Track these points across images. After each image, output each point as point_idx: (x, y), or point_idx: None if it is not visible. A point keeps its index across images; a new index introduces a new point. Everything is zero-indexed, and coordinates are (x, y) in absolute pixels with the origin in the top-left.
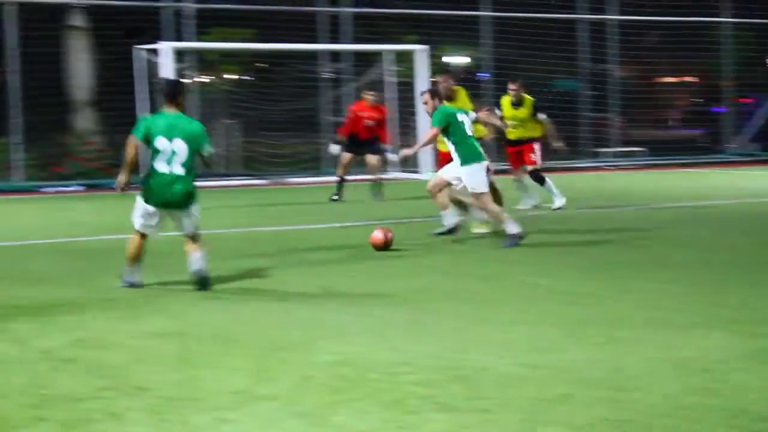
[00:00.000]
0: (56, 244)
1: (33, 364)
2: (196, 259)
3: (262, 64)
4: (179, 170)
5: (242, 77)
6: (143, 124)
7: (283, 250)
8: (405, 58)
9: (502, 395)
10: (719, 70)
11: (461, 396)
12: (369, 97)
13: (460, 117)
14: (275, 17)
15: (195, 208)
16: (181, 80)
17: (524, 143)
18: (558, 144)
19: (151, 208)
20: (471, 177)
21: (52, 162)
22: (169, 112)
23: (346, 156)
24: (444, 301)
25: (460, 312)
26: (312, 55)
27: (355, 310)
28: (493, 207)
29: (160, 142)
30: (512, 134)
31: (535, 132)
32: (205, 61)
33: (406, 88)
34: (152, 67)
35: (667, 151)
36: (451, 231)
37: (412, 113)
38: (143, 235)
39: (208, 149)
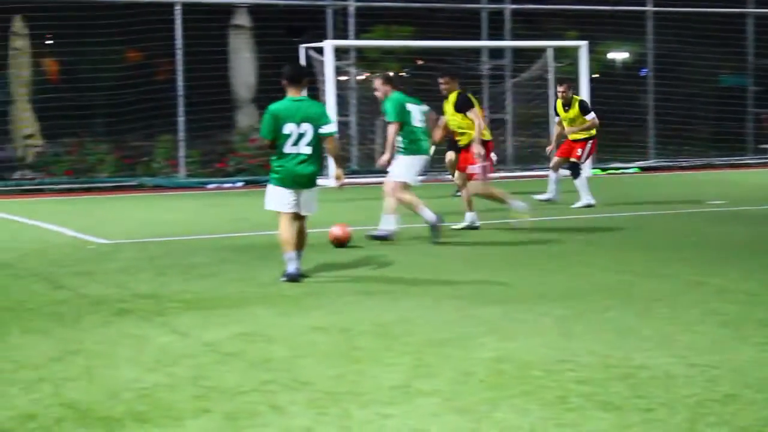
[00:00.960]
0: (219, 239)
1: (197, 357)
2: (296, 257)
3: (421, 61)
4: (306, 150)
5: (401, 74)
6: (268, 119)
7: (434, 247)
8: (565, 55)
9: (666, 394)
10: None
11: (623, 395)
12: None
13: (410, 106)
14: (436, 14)
15: (316, 190)
16: (305, 65)
17: (575, 142)
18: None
19: (284, 191)
20: (404, 167)
21: (215, 158)
22: (294, 96)
23: (450, 154)
24: (602, 297)
25: (619, 309)
26: (472, 52)
27: (512, 306)
28: (406, 196)
29: (288, 128)
30: (569, 134)
31: (587, 133)
32: (366, 59)
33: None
34: (315, 65)
35: None
36: (385, 237)
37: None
38: (288, 215)
39: (329, 130)
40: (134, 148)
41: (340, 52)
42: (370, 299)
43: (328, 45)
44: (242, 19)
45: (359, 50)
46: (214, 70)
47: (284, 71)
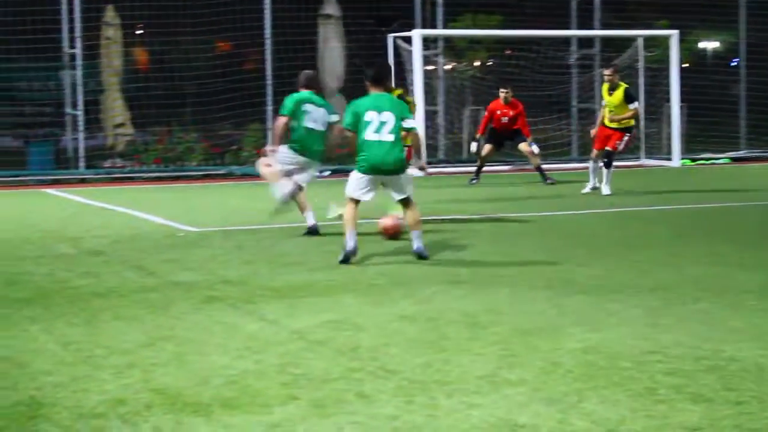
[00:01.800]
0: (297, 229)
1: (285, 345)
2: (414, 237)
3: (509, 51)
4: (388, 137)
5: (489, 63)
6: (349, 110)
7: (521, 235)
8: (655, 44)
9: (759, 388)
10: None
11: (714, 387)
12: (503, 94)
13: (308, 107)
14: (524, 3)
15: (406, 177)
16: (387, 64)
17: (614, 130)
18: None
19: (366, 178)
20: (287, 158)
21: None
22: (376, 92)
23: (488, 147)
24: (692, 288)
25: (709, 300)
26: (561, 41)
27: (601, 297)
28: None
29: (369, 115)
30: (608, 119)
31: (629, 122)
32: (454, 48)
33: (656, 74)
34: (403, 55)
35: None
36: (312, 231)
37: (666, 99)
38: (357, 202)
39: (413, 125)
40: (223, 136)
41: (428, 42)
42: (458, 288)
43: (416, 34)
44: (331, 8)
45: (447, 39)
46: (302, 59)
47: (367, 73)
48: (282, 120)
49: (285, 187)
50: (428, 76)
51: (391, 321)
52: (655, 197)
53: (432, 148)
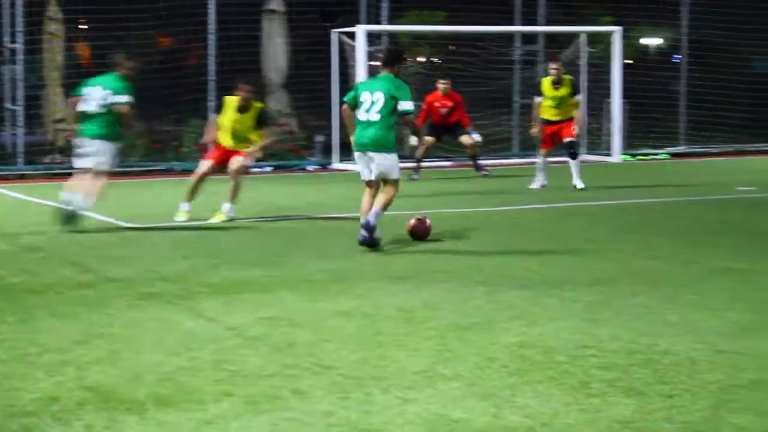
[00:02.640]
0: (247, 224)
1: (221, 341)
2: (372, 213)
3: (453, 47)
4: (375, 117)
5: (433, 59)
6: (354, 88)
7: (462, 231)
8: (598, 40)
9: (690, 380)
10: None
11: (647, 381)
12: (442, 86)
13: (84, 89)
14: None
15: (389, 156)
16: (400, 50)
17: (563, 122)
18: (577, 128)
19: (357, 154)
20: (106, 153)
21: None
22: (382, 74)
23: (429, 139)
24: (629, 283)
25: (646, 294)
26: (505, 37)
27: (539, 291)
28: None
29: (363, 96)
30: (551, 114)
31: (573, 111)
32: (398, 44)
33: (598, 70)
34: (347, 51)
35: None
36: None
37: (607, 95)
38: (368, 184)
39: (407, 107)
40: (164, 132)
41: (372, 38)
42: (395, 284)
43: (360, 30)
44: (275, 3)
45: (391, 36)
46: (245, 54)
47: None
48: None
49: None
50: (372, 72)
51: (327, 317)
52: (595, 192)
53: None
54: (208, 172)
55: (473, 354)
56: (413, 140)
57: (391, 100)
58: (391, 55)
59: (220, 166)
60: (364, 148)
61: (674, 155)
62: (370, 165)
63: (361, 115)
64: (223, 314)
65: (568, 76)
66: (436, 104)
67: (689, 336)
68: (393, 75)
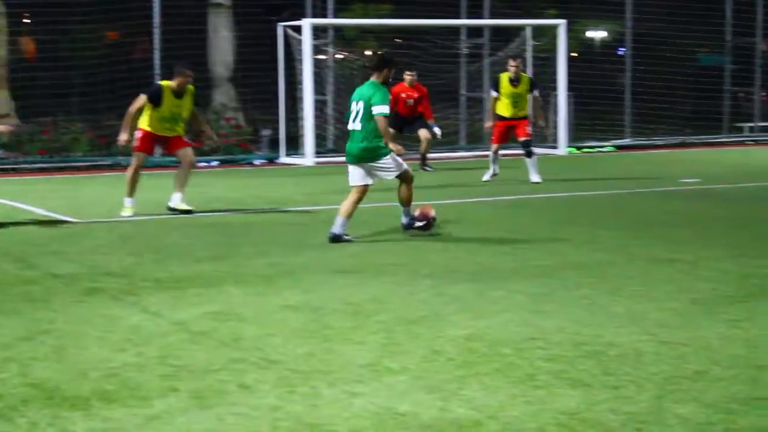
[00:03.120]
0: (193, 219)
1: (167, 337)
2: (402, 215)
3: (399, 40)
4: (357, 126)
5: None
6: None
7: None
8: (543, 33)
9: (635, 372)
10: None
11: (593, 372)
12: (408, 77)
13: None
14: None
15: (382, 162)
16: (388, 56)
17: (518, 119)
18: (542, 123)
19: (350, 166)
20: None
21: (191, 138)
22: (369, 81)
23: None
24: (574, 275)
25: (591, 286)
26: (451, 31)
27: (485, 284)
28: None
29: (352, 105)
30: (506, 111)
31: (526, 109)
32: (345, 38)
33: (544, 63)
34: (293, 44)
35: None
36: None
37: (553, 88)
38: (356, 190)
39: (378, 111)
40: (110, 127)
41: (318, 31)
42: (343, 278)
43: (306, 24)
44: None
45: (337, 29)
46: (191, 48)
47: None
48: None
49: None
50: (318, 65)
51: (274, 311)
52: (541, 185)
53: (321, 138)
54: (142, 164)
55: (420, 347)
56: None
57: (370, 107)
58: (378, 61)
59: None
60: (355, 160)
61: (619, 148)
62: (367, 174)
63: (349, 125)
64: (169, 309)
65: (527, 75)
66: (403, 95)
67: (634, 327)
68: (378, 81)
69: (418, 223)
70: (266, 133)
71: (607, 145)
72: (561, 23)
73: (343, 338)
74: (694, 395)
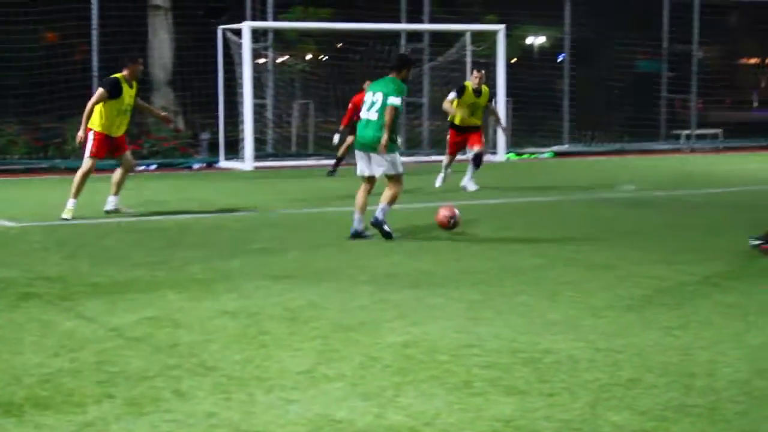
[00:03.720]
0: (131, 223)
1: (102, 342)
2: (378, 208)
3: (340, 44)
4: (373, 116)
5: (320, 57)
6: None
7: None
8: (483, 39)
9: (570, 379)
10: None
11: (528, 379)
12: (367, 86)
13: None
14: None
15: (385, 156)
16: (408, 56)
17: (472, 130)
18: (503, 127)
19: (358, 153)
20: None
21: (129, 141)
22: (388, 76)
23: (350, 138)
24: (512, 282)
25: (528, 293)
26: (391, 35)
27: (424, 291)
28: None
29: (368, 96)
30: (461, 120)
31: (481, 120)
32: (284, 41)
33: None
34: (232, 47)
35: (746, 133)
36: None
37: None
38: (364, 180)
39: (390, 101)
40: (47, 129)
41: (257, 34)
42: (281, 284)
43: (246, 27)
44: None
45: (277, 32)
46: (130, 51)
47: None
48: None
49: None
50: (258, 69)
51: (211, 317)
52: (481, 192)
53: (260, 142)
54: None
55: (357, 354)
56: (335, 138)
57: (386, 99)
58: (400, 61)
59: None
60: (364, 148)
61: (558, 154)
62: (370, 163)
63: (363, 113)
64: (105, 315)
65: (487, 87)
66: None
67: (570, 334)
68: (399, 78)
69: (452, 220)
70: (205, 137)
71: (546, 152)
72: (500, 29)
73: (280, 344)
74: (628, 402)
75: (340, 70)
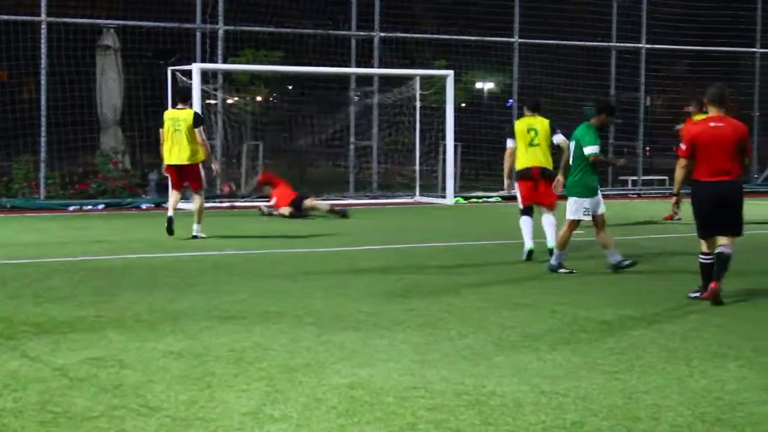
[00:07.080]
0: (76, 263)
1: (47, 382)
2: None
3: (290, 87)
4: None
5: (270, 100)
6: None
7: (296, 272)
8: (433, 83)
9: (514, 422)
10: (750, 102)
11: (473, 422)
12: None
13: None
14: (305, 40)
15: (571, 201)
16: (607, 103)
17: None
18: None
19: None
20: None
21: (77, 180)
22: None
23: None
24: (459, 325)
25: (474, 336)
26: (341, 79)
27: (370, 333)
28: None
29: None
30: None
31: None
32: (234, 83)
33: (434, 112)
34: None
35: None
36: None
37: (441, 138)
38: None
39: (588, 151)
40: None
41: (207, 76)
42: (227, 324)
43: (195, 68)
44: (110, 39)
45: (227, 74)
46: (79, 90)
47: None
48: None
49: None
50: (208, 110)
51: (157, 357)
52: (427, 235)
53: (209, 183)
54: None
55: (302, 395)
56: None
57: (580, 147)
58: (600, 106)
59: None
60: (567, 193)
61: (505, 198)
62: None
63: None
64: (48, 354)
65: None
66: None
67: (515, 377)
68: (594, 125)
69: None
70: (153, 177)
71: (495, 196)
72: (449, 74)
73: (225, 385)
74: None
75: (290, 112)
